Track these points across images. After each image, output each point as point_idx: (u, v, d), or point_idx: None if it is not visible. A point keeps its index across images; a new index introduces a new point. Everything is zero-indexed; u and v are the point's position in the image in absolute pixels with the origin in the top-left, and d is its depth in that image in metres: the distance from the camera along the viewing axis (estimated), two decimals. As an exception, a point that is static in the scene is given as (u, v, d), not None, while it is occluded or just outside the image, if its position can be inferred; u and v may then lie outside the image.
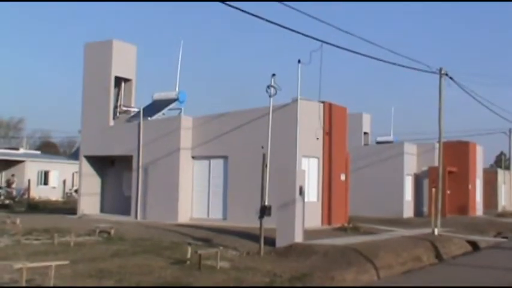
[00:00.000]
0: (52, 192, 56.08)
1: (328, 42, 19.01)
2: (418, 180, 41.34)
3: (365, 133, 42.91)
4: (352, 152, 32.17)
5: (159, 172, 28.42)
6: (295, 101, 24.87)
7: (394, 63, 24.27)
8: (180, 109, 30.31)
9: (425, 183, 40.47)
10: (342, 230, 24.96)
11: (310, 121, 26.32)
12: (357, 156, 36.27)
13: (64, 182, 58.59)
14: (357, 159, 36.33)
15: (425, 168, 40.80)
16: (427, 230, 26.58)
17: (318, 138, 26.80)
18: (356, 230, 25.15)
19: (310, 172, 26.07)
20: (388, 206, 37.73)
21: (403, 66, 25.21)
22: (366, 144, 42.61)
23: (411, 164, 40.74)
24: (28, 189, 45.62)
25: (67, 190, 57.99)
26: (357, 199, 34.01)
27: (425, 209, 40.15)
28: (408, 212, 39.37)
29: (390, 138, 43.76)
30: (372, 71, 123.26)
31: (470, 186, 42.51)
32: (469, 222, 34.35)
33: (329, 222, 27.05)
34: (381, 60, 22.99)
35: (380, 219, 33.09)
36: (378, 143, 43.52)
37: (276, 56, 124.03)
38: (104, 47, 30.74)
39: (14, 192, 52.29)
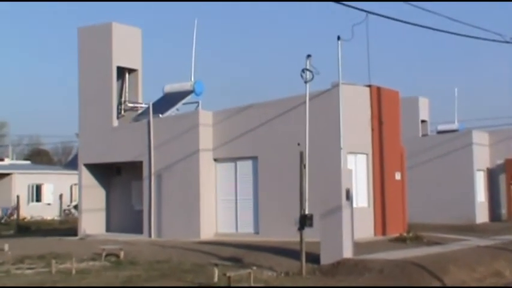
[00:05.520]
0: (46, 210, 56.69)
1: (374, 12, 18.93)
2: (492, 176, 40.94)
3: (423, 121, 42.64)
4: (408, 145, 32.01)
5: (176, 180, 28.61)
6: (336, 86, 24.85)
7: (456, 34, 23.99)
8: (197, 103, 30.46)
9: (502, 179, 40.07)
10: (401, 241, 24.87)
11: (355, 110, 26.26)
12: (414, 150, 36.04)
13: (61, 197, 59.04)
14: (414, 153, 36.10)
15: (500, 161, 40.41)
16: (508, 238, 26.34)
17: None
18: (418, 240, 25.03)
19: (357, 171, 26.03)
20: (456, 209, 37.41)
21: (467, 36, 24.90)
22: (424, 135, 42.33)
23: (483, 157, 40.37)
24: (17, 207, 46.09)
25: (65, 207, 58.52)
26: (416, 202, 33.82)
27: (503, 211, 39.75)
28: (482, 216, 39.02)
29: (454, 126, 43.40)
30: (427, 45, 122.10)
31: (560, 181, 41.93)
32: (561, 226, 33.85)
33: (384, 232, 26.98)
34: (438, 30, 22.75)
35: (447, 226, 32.86)
36: (440, 132, 43.20)
37: (310, 36, 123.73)
38: (101, 31, 31.03)
39: (0, 213, 52.99)
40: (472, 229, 32.72)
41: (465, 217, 36.89)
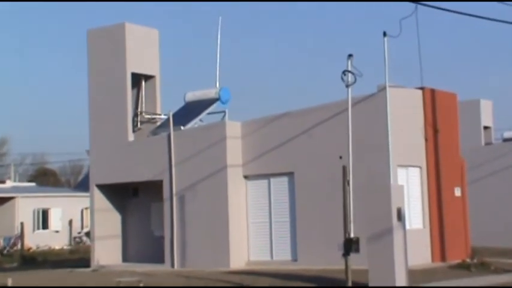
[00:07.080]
0: (54, 239, 57.23)
1: (425, 3, 18.89)
2: None
3: (486, 128, 42.38)
4: (469, 156, 31.83)
5: (201, 200, 28.71)
6: (382, 89, 24.78)
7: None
8: (224, 112, 30.58)
9: None
10: (463, 268, 24.71)
11: (406, 116, 26.17)
12: (476, 162, 35.81)
13: (70, 222, 59.76)
14: (476, 165, 35.85)
15: None
16: None
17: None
18: (484, 268, 24.84)
19: (410, 187, 25.99)
20: (528, 230, 37.06)
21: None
22: (488, 144, 42.05)
23: (559, 169, 39.96)
24: (21, 236, 46.47)
25: (75, 234, 59.14)
26: (479, 222, 33.50)
27: None
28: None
29: (523, 133, 43.09)
30: (489, 39, 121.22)
31: None
32: None
33: (443, 258, 26.82)
34: (503, 21, 22.63)
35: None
36: (506, 140, 42.88)
37: (350, 33, 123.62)
38: (113, 33, 31.28)
39: (1, 242, 53.47)
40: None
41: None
